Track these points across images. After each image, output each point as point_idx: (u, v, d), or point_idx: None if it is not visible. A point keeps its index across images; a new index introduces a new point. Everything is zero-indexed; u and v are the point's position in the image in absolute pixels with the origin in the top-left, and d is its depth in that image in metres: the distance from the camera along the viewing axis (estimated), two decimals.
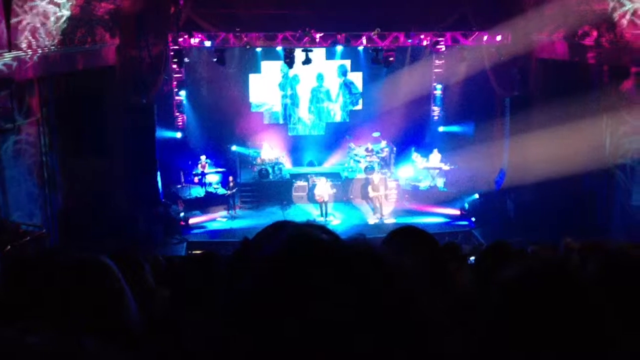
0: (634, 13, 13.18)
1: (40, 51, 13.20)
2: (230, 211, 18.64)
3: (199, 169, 19.40)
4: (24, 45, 12.52)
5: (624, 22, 13.54)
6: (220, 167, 19.90)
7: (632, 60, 14.02)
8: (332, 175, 19.88)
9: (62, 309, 1.66)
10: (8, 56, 12.05)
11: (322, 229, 1.07)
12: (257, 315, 0.93)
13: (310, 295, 0.91)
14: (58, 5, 13.30)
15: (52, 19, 13.32)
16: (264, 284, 0.96)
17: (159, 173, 17.86)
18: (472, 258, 5.48)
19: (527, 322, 1.43)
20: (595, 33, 14.95)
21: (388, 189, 18.97)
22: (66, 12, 13.69)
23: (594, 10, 14.38)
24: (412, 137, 21.33)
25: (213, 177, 19.76)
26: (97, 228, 14.40)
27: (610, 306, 1.50)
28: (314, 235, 1.03)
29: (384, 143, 20.68)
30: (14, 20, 11.89)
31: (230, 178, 18.66)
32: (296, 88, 21.66)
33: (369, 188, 18.43)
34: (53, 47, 13.69)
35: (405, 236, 2.42)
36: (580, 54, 15.80)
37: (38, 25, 12.85)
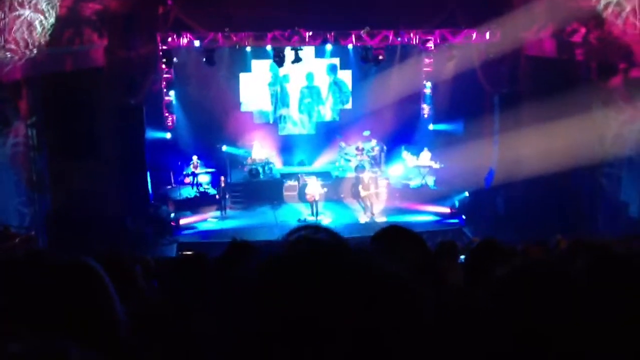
0: (622, 9, 13.24)
1: (27, 52, 13.10)
2: (221, 211, 18.61)
3: (191, 169, 19.35)
4: (10, 47, 12.43)
5: (612, 18, 13.60)
6: (211, 168, 19.85)
7: (620, 56, 14.08)
8: (323, 175, 19.86)
9: (47, 312, 1.64)
10: None
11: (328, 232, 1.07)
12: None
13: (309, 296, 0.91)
14: (45, 5, 13.21)
15: (40, 19, 13.23)
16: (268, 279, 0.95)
17: (148, 174, 17.80)
18: (462, 257, 5.48)
19: (517, 320, 1.43)
20: (583, 30, 15.01)
21: (378, 187, 18.99)
22: (54, 13, 13.60)
23: (582, 7, 14.43)
24: (402, 136, 21.34)
25: (203, 178, 19.71)
26: (87, 229, 14.34)
27: (600, 303, 1.50)
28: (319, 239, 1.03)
29: (374, 142, 20.69)
30: None
31: (222, 178, 18.61)
32: (286, 87, 21.63)
33: (360, 187, 18.44)
34: (40, 48, 13.60)
35: (393, 236, 2.41)
36: (569, 51, 15.86)
37: (25, 26, 12.76)
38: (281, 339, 0.90)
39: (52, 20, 13.58)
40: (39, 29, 13.26)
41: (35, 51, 13.33)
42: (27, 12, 12.59)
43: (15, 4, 12.11)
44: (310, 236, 1.03)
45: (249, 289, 0.97)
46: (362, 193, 18.33)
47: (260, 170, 19.91)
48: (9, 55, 12.51)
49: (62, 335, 1.58)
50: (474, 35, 18.37)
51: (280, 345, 0.90)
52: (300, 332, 0.89)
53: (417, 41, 19.03)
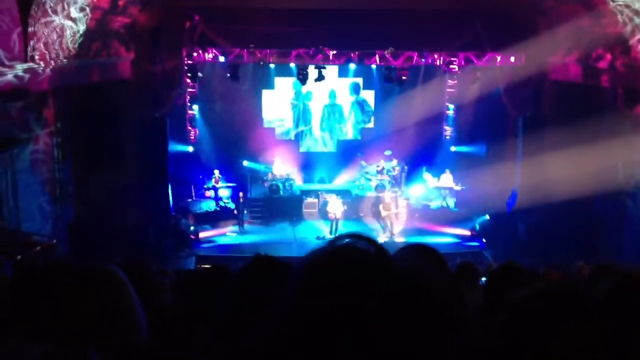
0: None
1: (55, 63, 13.31)
2: (239, 226, 18.66)
3: (212, 183, 19.47)
4: (39, 57, 12.64)
5: (638, 45, 13.51)
6: (231, 182, 19.94)
7: None
8: (343, 193, 19.85)
9: (69, 318, 1.65)
10: (22, 67, 12.16)
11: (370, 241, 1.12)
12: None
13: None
14: (75, 17, 13.43)
15: (69, 31, 13.45)
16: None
17: (170, 186, 17.92)
18: (484, 279, 5.44)
19: (535, 344, 1.42)
20: (609, 56, 14.92)
21: (399, 207, 18.92)
22: (82, 25, 13.82)
23: (608, 34, 14.36)
24: (423, 156, 21.29)
25: (223, 192, 19.80)
26: (108, 240, 14.43)
27: (620, 328, 1.48)
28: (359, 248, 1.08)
29: (395, 161, 20.65)
30: (30, 31, 12.00)
31: (241, 194, 18.68)
32: (308, 105, 21.72)
33: (380, 206, 18.39)
34: (68, 60, 13.80)
35: (416, 253, 2.40)
36: (594, 76, 15.76)
37: (54, 37, 12.97)
38: (318, 337, 0.93)
39: (82, 28, 13.78)
40: (69, 36, 13.45)
41: (64, 61, 13.54)
42: (58, 19, 12.78)
43: (49, 9, 12.30)
44: (354, 243, 1.08)
45: (296, 287, 1.01)
46: (383, 213, 18.28)
47: (281, 186, 19.95)
48: (42, 64, 12.70)
49: (83, 339, 1.59)
50: (499, 59, 18.33)
51: (317, 341, 0.93)
52: (334, 332, 0.93)
53: (441, 62, 19.04)
